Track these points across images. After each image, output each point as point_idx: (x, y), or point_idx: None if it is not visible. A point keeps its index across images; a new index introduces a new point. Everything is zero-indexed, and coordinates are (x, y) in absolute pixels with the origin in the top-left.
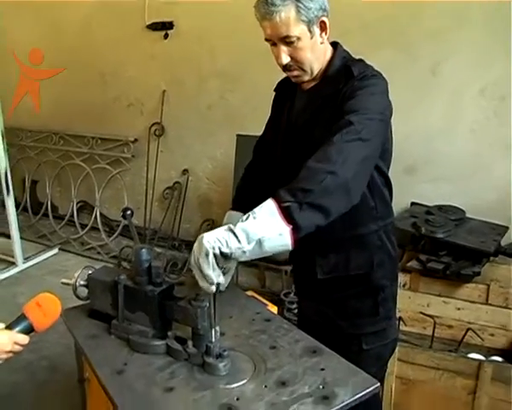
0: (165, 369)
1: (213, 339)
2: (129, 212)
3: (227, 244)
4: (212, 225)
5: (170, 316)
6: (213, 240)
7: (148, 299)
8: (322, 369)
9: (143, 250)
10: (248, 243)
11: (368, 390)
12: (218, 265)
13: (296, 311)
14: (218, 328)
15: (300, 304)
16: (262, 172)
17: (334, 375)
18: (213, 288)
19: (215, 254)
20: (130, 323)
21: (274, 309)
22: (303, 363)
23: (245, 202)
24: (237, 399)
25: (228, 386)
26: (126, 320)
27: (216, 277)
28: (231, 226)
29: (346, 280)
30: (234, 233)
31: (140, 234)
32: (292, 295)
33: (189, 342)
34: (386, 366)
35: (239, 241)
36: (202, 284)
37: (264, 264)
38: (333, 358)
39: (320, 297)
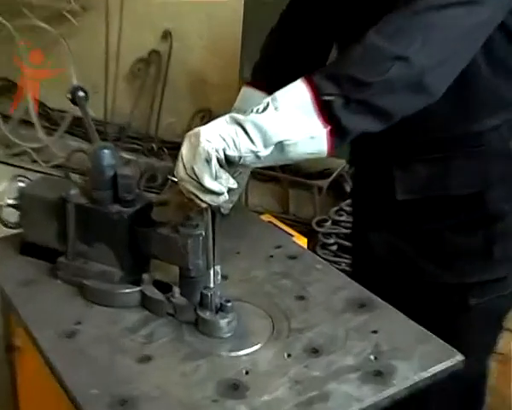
0: (139, 329)
1: (211, 284)
2: (81, 93)
3: (234, 145)
4: (209, 118)
5: (146, 250)
6: (215, 138)
7: (112, 225)
8: (375, 331)
9: (105, 152)
10: (265, 145)
11: (444, 365)
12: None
13: (335, 247)
14: (218, 268)
15: (361, 238)
16: (305, 33)
17: (393, 341)
18: (224, 198)
19: (219, 160)
20: (87, 261)
21: (302, 243)
22: (345, 322)
23: (274, 74)
24: (247, 373)
25: (233, 354)
26: (80, 257)
27: (225, 183)
28: (239, 119)
29: (442, 204)
30: (244, 130)
31: (99, 132)
32: (329, 224)
33: (175, 290)
34: (501, 331)
35: (252, 141)
36: (203, 197)
37: (287, 176)
38: (390, 314)
39: (398, 229)
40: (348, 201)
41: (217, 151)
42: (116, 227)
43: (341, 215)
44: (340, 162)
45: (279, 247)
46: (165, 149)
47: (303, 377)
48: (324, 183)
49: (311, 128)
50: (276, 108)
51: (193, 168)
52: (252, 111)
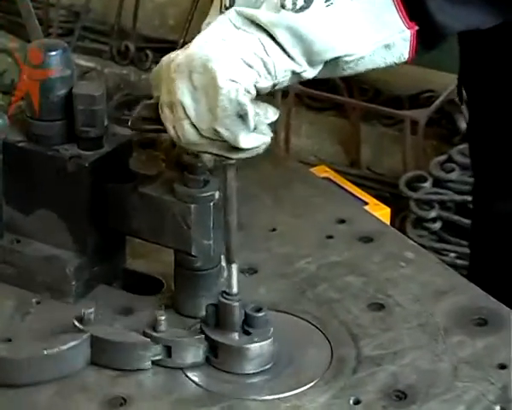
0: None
1: (235, 289)
2: None
3: (267, 70)
4: None
5: (120, 223)
6: (240, 70)
7: (65, 179)
8: (503, 366)
9: (53, 54)
10: (311, 63)
11: None
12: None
13: (438, 225)
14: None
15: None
16: None
17: None
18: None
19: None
20: (21, 239)
21: (382, 215)
22: (453, 348)
23: None
24: None
25: (264, 397)
26: (10, 233)
27: (265, 128)
28: (263, 20)
29: None
30: (274, 39)
31: (39, 20)
32: (428, 185)
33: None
34: None
35: (290, 57)
36: (235, 155)
37: (358, 102)
38: None
39: None
40: (463, 146)
41: (248, 92)
42: (71, 183)
43: (451, 171)
44: (448, 79)
45: (342, 221)
46: (148, 53)
47: None
48: (421, 114)
49: (386, 32)
50: (326, 1)
51: (215, 130)
52: (282, 5)
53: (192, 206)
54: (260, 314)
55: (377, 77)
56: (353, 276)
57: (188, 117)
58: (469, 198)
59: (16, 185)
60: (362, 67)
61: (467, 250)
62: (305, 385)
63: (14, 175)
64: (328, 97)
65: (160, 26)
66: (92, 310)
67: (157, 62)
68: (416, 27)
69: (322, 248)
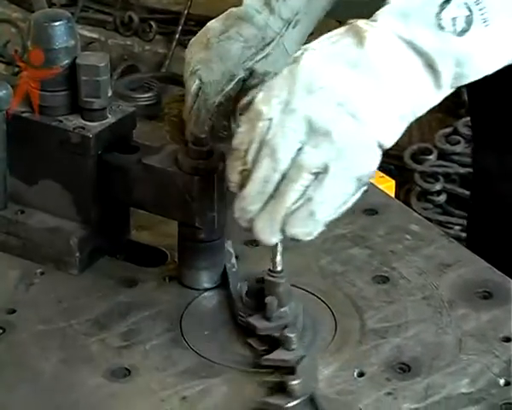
0: (112, 321)
1: (278, 266)
2: None
3: (414, 117)
4: None
5: (124, 194)
6: (387, 137)
7: (69, 150)
8: (507, 339)
9: (55, 25)
10: (452, 87)
11: None
12: None
13: (443, 197)
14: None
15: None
16: None
17: None
18: None
19: None
20: (26, 210)
21: (387, 188)
22: (457, 321)
23: None
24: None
25: (271, 369)
26: (15, 204)
27: None
28: (430, 51)
29: None
30: (433, 70)
31: None
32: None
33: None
34: None
35: (440, 88)
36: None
37: None
38: None
39: None
40: (469, 118)
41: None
42: (75, 154)
43: (456, 143)
44: None
45: None
46: (152, 23)
47: None
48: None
49: None
50: (485, 21)
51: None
52: (440, 26)
53: (195, 177)
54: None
55: None
56: (358, 248)
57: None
58: None
59: (20, 156)
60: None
61: None
62: (308, 357)
63: (18, 146)
64: None
65: None
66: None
67: (160, 33)
68: None
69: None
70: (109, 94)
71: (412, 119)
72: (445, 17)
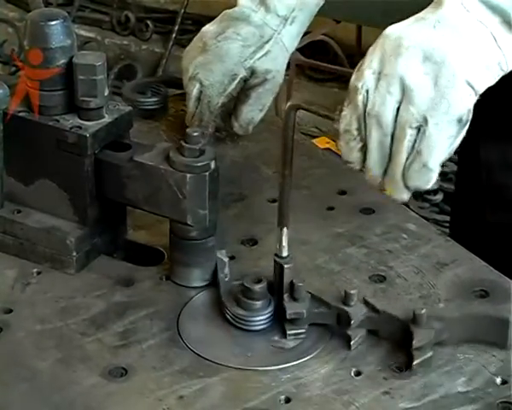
0: (109, 321)
1: (285, 252)
2: None
3: (501, 69)
4: None
5: (119, 193)
6: (476, 76)
7: (67, 150)
8: None
9: (52, 24)
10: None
11: None
12: None
13: (439, 197)
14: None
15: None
16: None
17: None
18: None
19: None
20: (22, 210)
21: None
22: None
23: None
24: (287, 400)
25: (265, 369)
26: (11, 203)
27: None
28: (508, 7)
29: None
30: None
31: None
32: None
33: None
34: None
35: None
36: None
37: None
38: None
39: None
40: None
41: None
42: (72, 153)
43: None
44: None
45: (344, 193)
46: (148, 23)
47: None
48: None
49: None
50: None
51: (420, 125)
52: None
53: (188, 175)
54: (261, 285)
55: None
56: (355, 247)
57: (395, 95)
58: None
59: (17, 155)
60: None
61: None
62: (305, 356)
63: (15, 145)
64: (329, 68)
65: None
66: None
67: (157, 33)
68: None
69: (324, 220)
70: (106, 93)
71: (500, 72)
72: None
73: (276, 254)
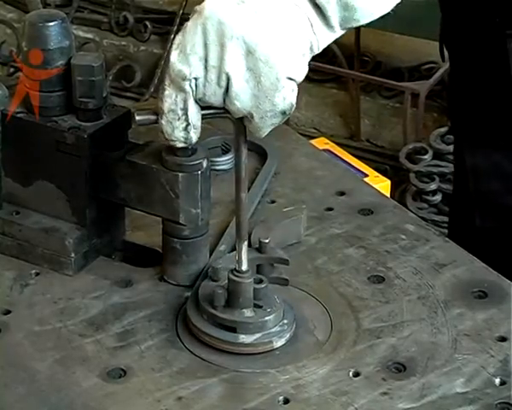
0: (107, 323)
1: (243, 262)
2: None
3: (312, 52)
4: None
5: (108, 192)
6: (294, 70)
7: (65, 150)
8: (503, 338)
9: (50, 25)
10: (343, 29)
11: None
12: None
13: (438, 197)
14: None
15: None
16: None
17: None
18: None
19: None
20: (21, 211)
21: (382, 188)
22: (452, 321)
23: None
24: (285, 401)
25: (264, 370)
26: (10, 204)
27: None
28: None
29: None
30: (324, 16)
31: None
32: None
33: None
34: None
35: (333, 30)
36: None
37: (358, 74)
38: None
39: None
40: None
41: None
42: (70, 154)
43: (451, 143)
44: None
45: (342, 194)
46: (147, 24)
47: None
48: (422, 86)
49: None
50: None
51: (250, 113)
52: None
53: (180, 174)
54: (262, 285)
55: (377, 49)
56: (353, 248)
57: (224, 87)
58: None
59: (15, 156)
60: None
61: None
62: (306, 357)
63: (14, 146)
64: (328, 69)
65: None
66: None
67: (156, 34)
68: None
69: (322, 221)
70: (104, 94)
71: (312, 54)
72: None
73: (234, 269)
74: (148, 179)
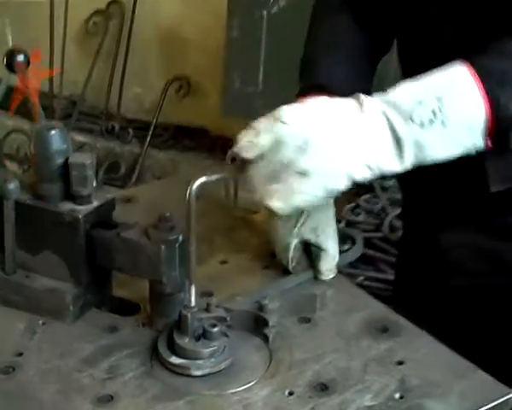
0: (97, 361)
1: (191, 300)
2: (21, 57)
3: (380, 169)
4: (187, 89)
5: (106, 261)
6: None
7: (63, 228)
8: (400, 362)
9: (52, 133)
10: (413, 164)
11: (491, 405)
12: None
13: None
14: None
15: (421, 243)
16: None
17: (424, 374)
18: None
19: None
20: (29, 275)
21: None
22: (363, 350)
23: (346, 80)
24: None
25: (219, 392)
26: (20, 270)
27: None
28: (399, 129)
29: None
30: (400, 147)
31: (44, 108)
32: (341, 226)
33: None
34: None
35: (401, 160)
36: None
37: None
38: (421, 341)
39: (489, 225)
40: (367, 196)
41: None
42: (68, 231)
43: (358, 215)
44: None
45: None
46: (129, 130)
47: None
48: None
49: (470, 145)
50: (443, 123)
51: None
52: (411, 118)
53: (163, 246)
54: (215, 329)
55: None
56: (286, 296)
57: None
58: (373, 235)
59: (26, 233)
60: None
61: (372, 274)
62: (251, 382)
63: (24, 225)
64: None
65: (138, 110)
66: None
67: (137, 137)
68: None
69: (262, 277)
70: (94, 184)
71: (377, 171)
72: (416, 114)
73: (185, 306)
74: (138, 251)
